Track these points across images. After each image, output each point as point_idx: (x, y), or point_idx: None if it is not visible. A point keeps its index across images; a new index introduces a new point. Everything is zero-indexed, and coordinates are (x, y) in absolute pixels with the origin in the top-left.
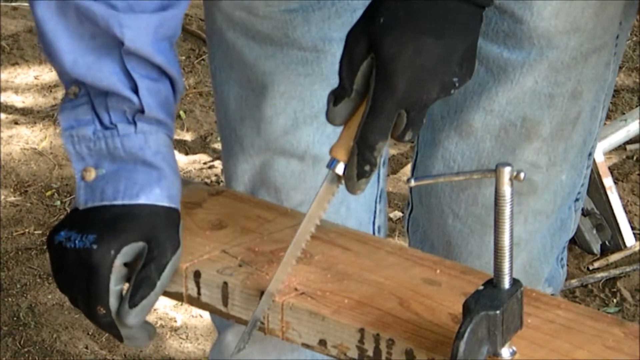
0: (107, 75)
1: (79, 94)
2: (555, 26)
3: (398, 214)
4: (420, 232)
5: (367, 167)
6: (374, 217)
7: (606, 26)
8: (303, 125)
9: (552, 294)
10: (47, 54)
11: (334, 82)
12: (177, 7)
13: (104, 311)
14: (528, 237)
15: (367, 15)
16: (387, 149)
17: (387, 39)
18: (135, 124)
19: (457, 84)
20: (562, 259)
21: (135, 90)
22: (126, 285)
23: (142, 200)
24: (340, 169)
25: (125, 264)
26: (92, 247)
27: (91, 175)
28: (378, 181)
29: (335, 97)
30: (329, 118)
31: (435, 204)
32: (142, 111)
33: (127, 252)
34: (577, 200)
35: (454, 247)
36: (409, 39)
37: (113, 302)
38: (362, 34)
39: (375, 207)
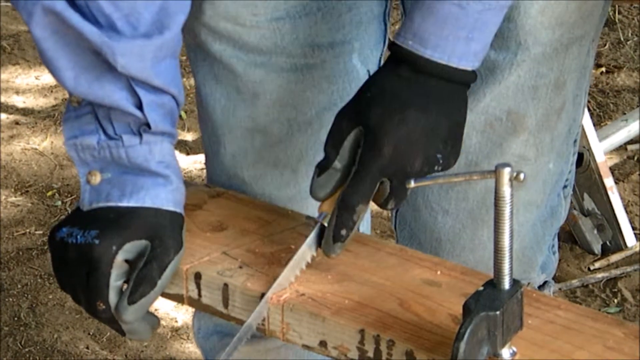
0: (109, 94)
1: (82, 102)
2: (541, 22)
3: None
4: (408, 229)
5: (343, 231)
6: None
7: (585, 16)
8: (297, 132)
9: (546, 281)
10: (49, 71)
11: (325, 87)
12: (174, 26)
13: (104, 306)
14: (519, 227)
15: (356, 94)
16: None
17: (374, 109)
18: (140, 135)
19: (440, 161)
20: (553, 245)
21: (140, 107)
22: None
23: (148, 203)
24: (327, 221)
25: (127, 261)
26: (94, 242)
27: (97, 178)
28: None
29: (320, 168)
30: (313, 191)
31: (422, 202)
32: (147, 125)
33: (129, 249)
34: (565, 187)
35: (445, 243)
36: (394, 110)
37: (112, 298)
38: (349, 109)
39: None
